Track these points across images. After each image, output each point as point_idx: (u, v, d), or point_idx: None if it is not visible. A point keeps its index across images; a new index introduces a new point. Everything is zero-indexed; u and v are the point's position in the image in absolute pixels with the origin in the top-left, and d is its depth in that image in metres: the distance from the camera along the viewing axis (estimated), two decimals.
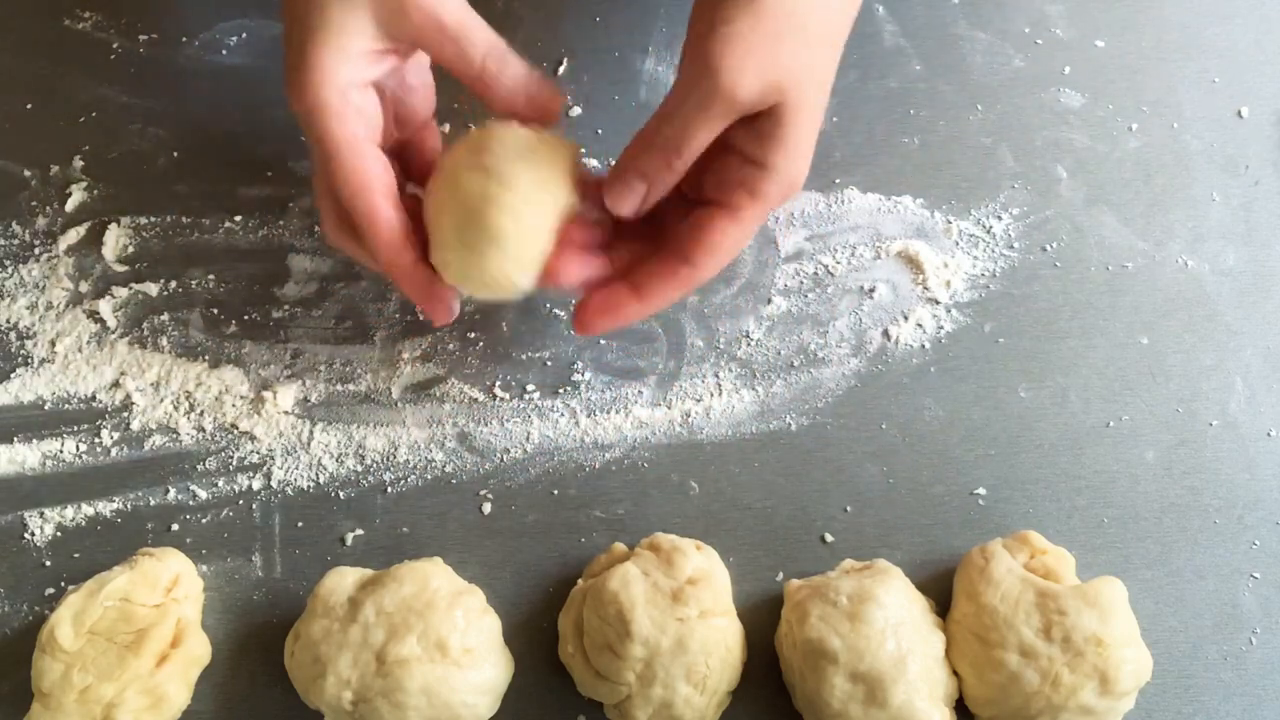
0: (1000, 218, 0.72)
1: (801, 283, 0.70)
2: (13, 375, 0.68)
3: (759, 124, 0.54)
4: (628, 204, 0.56)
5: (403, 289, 0.58)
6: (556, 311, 0.70)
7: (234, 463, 0.66)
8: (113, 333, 0.69)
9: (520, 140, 0.55)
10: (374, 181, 0.55)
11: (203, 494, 0.65)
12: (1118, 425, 0.67)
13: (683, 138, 0.53)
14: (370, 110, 0.56)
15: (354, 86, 0.55)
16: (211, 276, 0.71)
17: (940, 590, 0.63)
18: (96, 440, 0.67)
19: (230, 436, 0.67)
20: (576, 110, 0.73)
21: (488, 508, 0.65)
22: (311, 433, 0.67)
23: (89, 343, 0.69)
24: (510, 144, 0.55)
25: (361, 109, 0.55)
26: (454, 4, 0.54)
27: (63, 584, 0.63)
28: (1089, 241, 0.72)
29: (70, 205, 0.72)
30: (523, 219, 0.54)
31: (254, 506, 0.65)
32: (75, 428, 0.67)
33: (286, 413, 0.67)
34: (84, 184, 0.73)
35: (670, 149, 0.54)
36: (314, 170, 0.58)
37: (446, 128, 0.73)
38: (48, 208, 0.72)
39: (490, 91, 0.56)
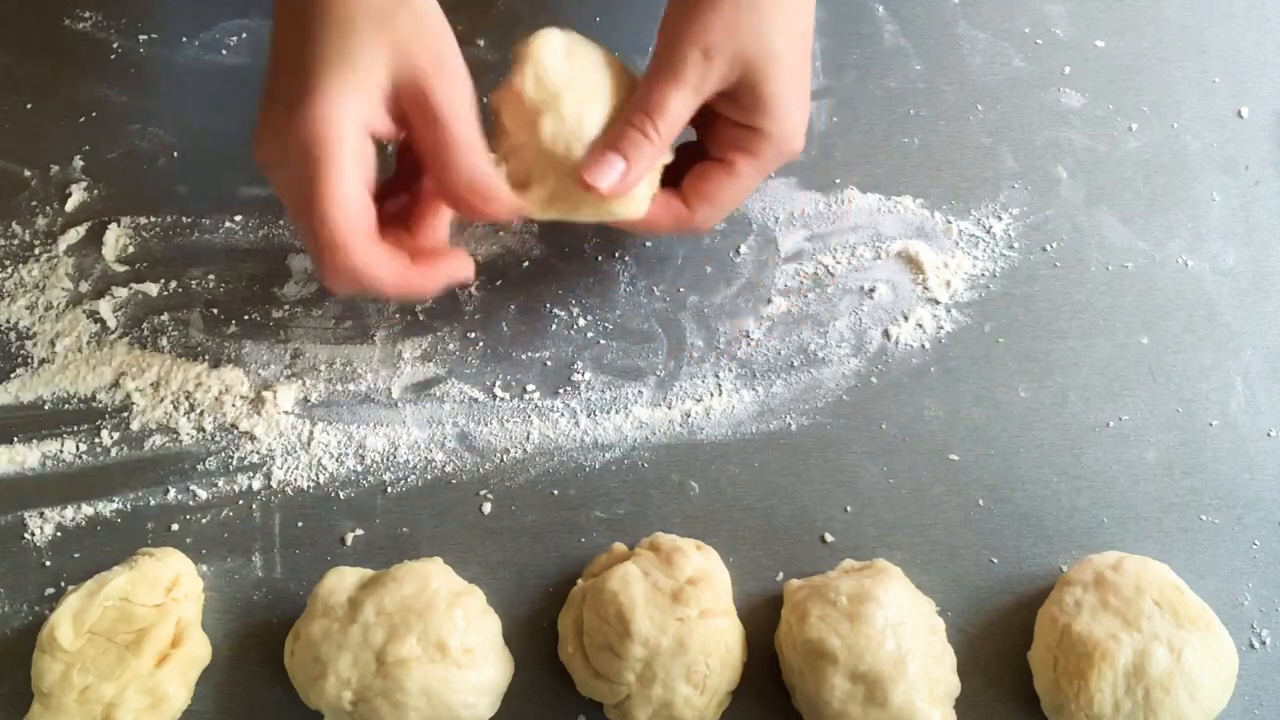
0: (1000, 218, 0.72)
1: (801, 283, 0.70)
2: (13, 375, 0.68)
3: (737, 95, 0.58)
4: (605, 179, 0.57)
5: (422, 291, 0.57)
6: (556, 312, 0.70)
7: (234, 463, 0.66)
8: (113, 333, 0.69)
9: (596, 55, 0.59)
10: (362, 226, 0.52)
11: (203, 494, 0.65)
12: (1118, 425, 0.67)
13: (656, 116, 0.57)
14: (370, 159, 0.53)
15: (366, 129, 0.52)
16: (211, 276, 0.71)
17: (940, 590, 0.63)
18: (96, 440, 0.67)
19: (230, 436, 0.67)
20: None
21: (488, 508, 0.65)
22: (311, 433, 0.67)
23: (89, 343, 0.69)
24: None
25: (365, 155, 0.52)
26: (451, 94, 0.53)
27: (63, 584, 0.63)
28: (1089, 241, 0.72)
29: (70, 205, 0.72)
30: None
31: (254, 506, 0.65)
32: (75, 428, 0.67)
33: (286, 413, 0.67)
34: (84, 184, 0.73)
35: (644, 127, 0.57)
36: (291, 206, 0.53)
37: None
38: (48, 208, 0.72)
39: (443, 176, 0.54)
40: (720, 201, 0.61)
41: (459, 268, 0.58)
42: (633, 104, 0.58)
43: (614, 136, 0.57)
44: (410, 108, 0.53)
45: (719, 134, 0.61)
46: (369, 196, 0.53)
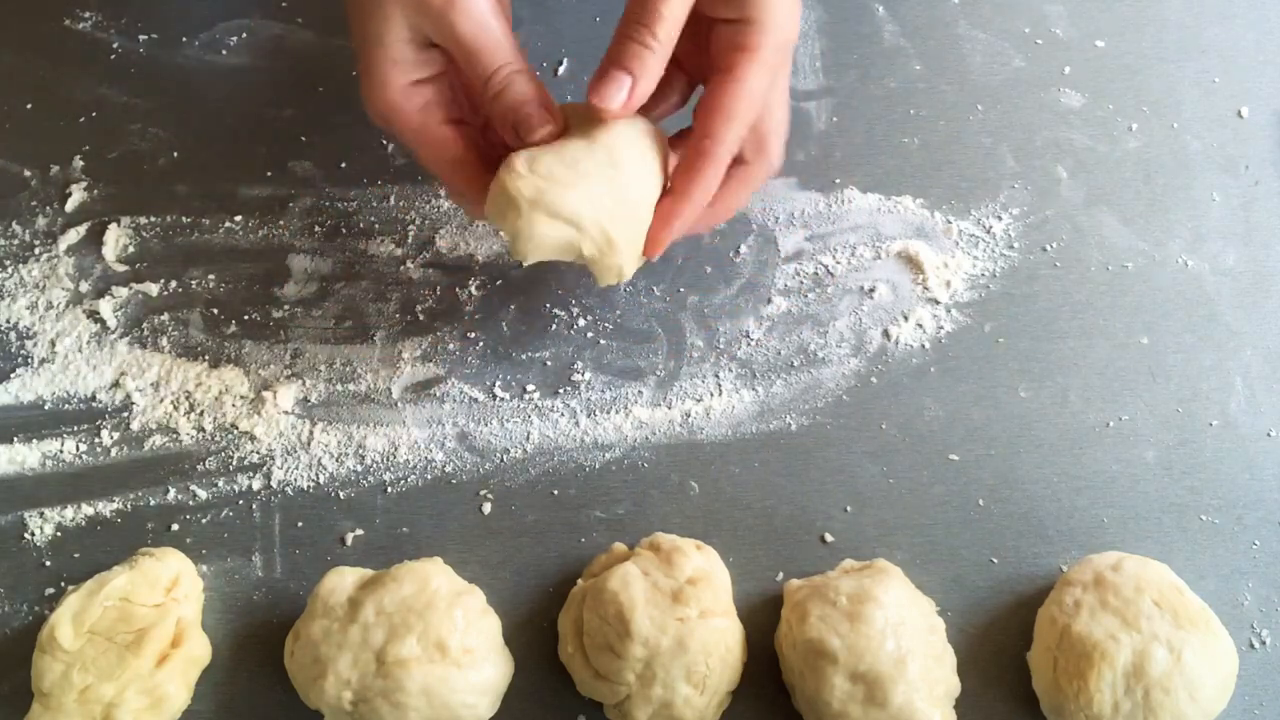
0: (1000, 218, 0.72)
1: (801, 283, 0.70)
2: (13, 375, 0.68)
3: None
4: (614, 97, 0.56)
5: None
6: (556, 312, 0.70)
7: (234, 463, 0.66)
8: (113, 333, 0.69)
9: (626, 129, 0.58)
10: (446, 154, 0.58)
11: (203, 494, 0.65)
12: (1118, 425, 0.67)
13: (654, 24, 0.54)
14: (433, 98, 0.59)
15: (412, 85, 0.58)
16: (211, 276, 0.71)
17: (940, 590, 0.63)
18: (96, 440, 0.67)
19: (230, 436, 0.67)
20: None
21: (488, 508, 0.65)
22: (311, 433, 0.67)
23: (89, 343, 0.69)
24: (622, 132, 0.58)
25: (427, 101, 0.58)
26: (472, 24, 0.55)
27: (63, 584, 0.63)
28: (1089, 241, 0.72)
29: (70, 205, 0.72)
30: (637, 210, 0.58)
31: (254, 506, 0.65)
32: (75, 428, 0.67)
33: (286, 413, 0.67)
34: (84, 184, 0.73)
35: (643, 38, 0.55)
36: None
37: None
38: (48, 208, 0.72)
39: (489, 114, 0.58)
40: (736, 114, 0.56)
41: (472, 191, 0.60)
42: (628, 16, 0.55)
43: (616, 53, 0.55)
44: (442, 41, 0.56)
45: (712, 45, 0.58)
46: (443, 124, 0.59)
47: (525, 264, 0.58)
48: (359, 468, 0.66)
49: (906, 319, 0.69)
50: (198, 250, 0.71)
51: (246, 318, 0.70)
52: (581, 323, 0.69)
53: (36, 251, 0.71)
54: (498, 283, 0.70)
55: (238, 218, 0.72)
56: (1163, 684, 0.56)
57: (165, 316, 0.70)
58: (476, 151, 0.59)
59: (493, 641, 0.60)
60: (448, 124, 0.59)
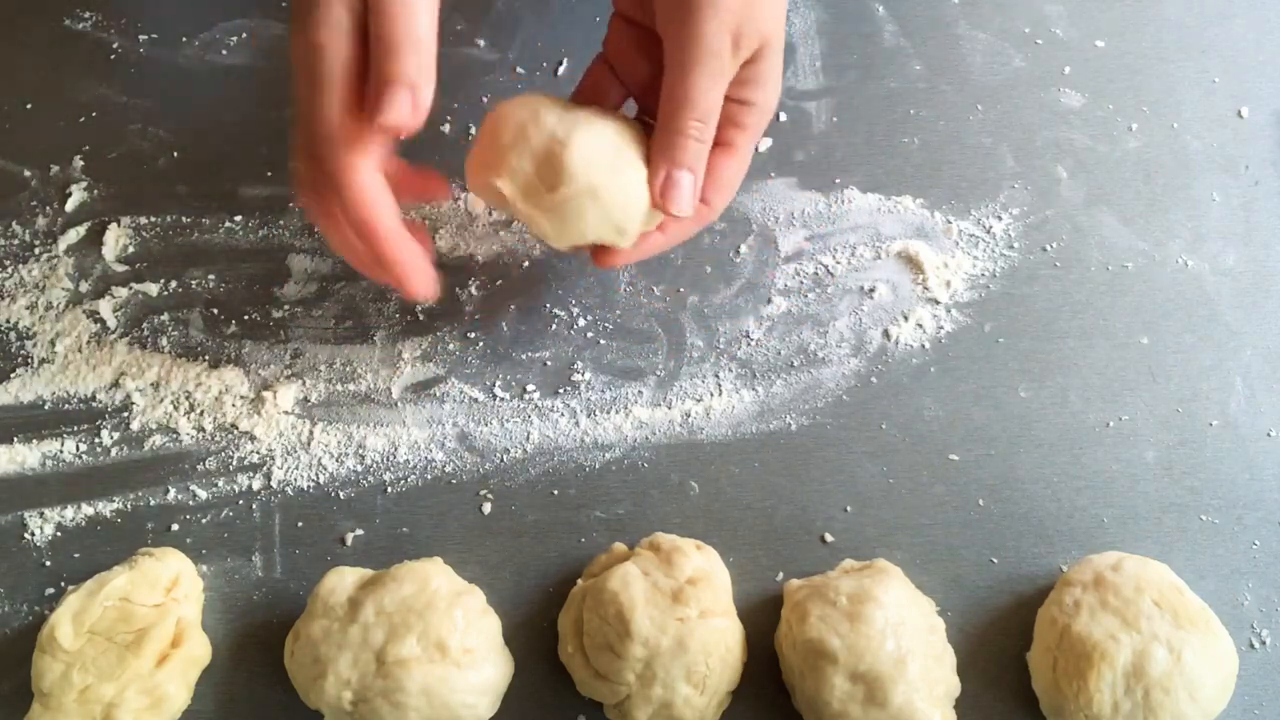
0: (1000, 218, 0.72)
1: (801, 283, 0.70)
2: (13, 375, 0.68)
3: (744, 71, 0.57)
4: (687, 202, 0.57)
5: (377, 251, 0.54)
6: (556, 312, 0.70)
7: (234, 463, 0.66)
8: (113, 333, 0.69)
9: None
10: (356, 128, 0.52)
11: (203, 494, 0.65)
12: (1118, 425, 0.67)
13: (706, 119, 0.56)
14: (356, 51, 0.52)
15: (355, 28, 0.52)
16: (211, 276, 0.71)
17: (940, 590, 0.63)
18: (96, 440, 0.67)
19: (230, 436, 0.67)
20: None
21: (488, 508, 0.65)
22: (311, 433, 0.67)
23: (89, 343, 0.69)
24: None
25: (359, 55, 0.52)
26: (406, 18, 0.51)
27: (63, 584, 0.63)
28: (1089, 241, 0.71)
29: (70, 205, 0.72)
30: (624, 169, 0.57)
31: (254, 506, 0.65)
32: (75, 428, 0.67)
33: (286, 413, 0.67)
34: (84, 184, 0.73)
35: (701, 134, 0.56)
36: (296, 120, 0.54)
37: (446, 128, 0.73)
38: (48, 208, 0.72)
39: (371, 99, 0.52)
40: (732, 184, 0.61)
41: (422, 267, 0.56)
42: (674, 109, 0.56)
43: (673, 153, 0.56)
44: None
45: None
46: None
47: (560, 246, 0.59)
48: (359, 468, 0.66)
49: (906, 319, 0.69)
50: (198, 250, 0.71)
51: (246, 318, 0.70)
52: (581, 323, 0.69)
53: (36, 251, 0.71)
54: (498, 283, 0.70)
55: (238, 218, 0.72)
56: (1163, 684, 0.56)
57: (165, 316, 0.70)
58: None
59: (493, 641, 0.60)
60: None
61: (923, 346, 0.69)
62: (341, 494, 0.65)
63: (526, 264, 0.71)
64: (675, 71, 0.56)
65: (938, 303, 0.70)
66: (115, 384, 0.68)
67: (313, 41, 0.52)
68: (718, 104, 0.56)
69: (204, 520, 0.65)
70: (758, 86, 0.58)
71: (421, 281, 0.56)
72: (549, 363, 0.69)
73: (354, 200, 0.53)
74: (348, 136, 0.52)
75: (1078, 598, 0.59)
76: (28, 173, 0.73)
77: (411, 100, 0.51)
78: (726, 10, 0.54)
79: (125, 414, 0.67)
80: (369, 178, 0.53)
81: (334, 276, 0.70)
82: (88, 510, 0.65)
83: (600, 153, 0.56)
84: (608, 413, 0.67)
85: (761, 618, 0.62)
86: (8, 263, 0.71)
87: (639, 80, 0.61)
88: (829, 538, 0.64)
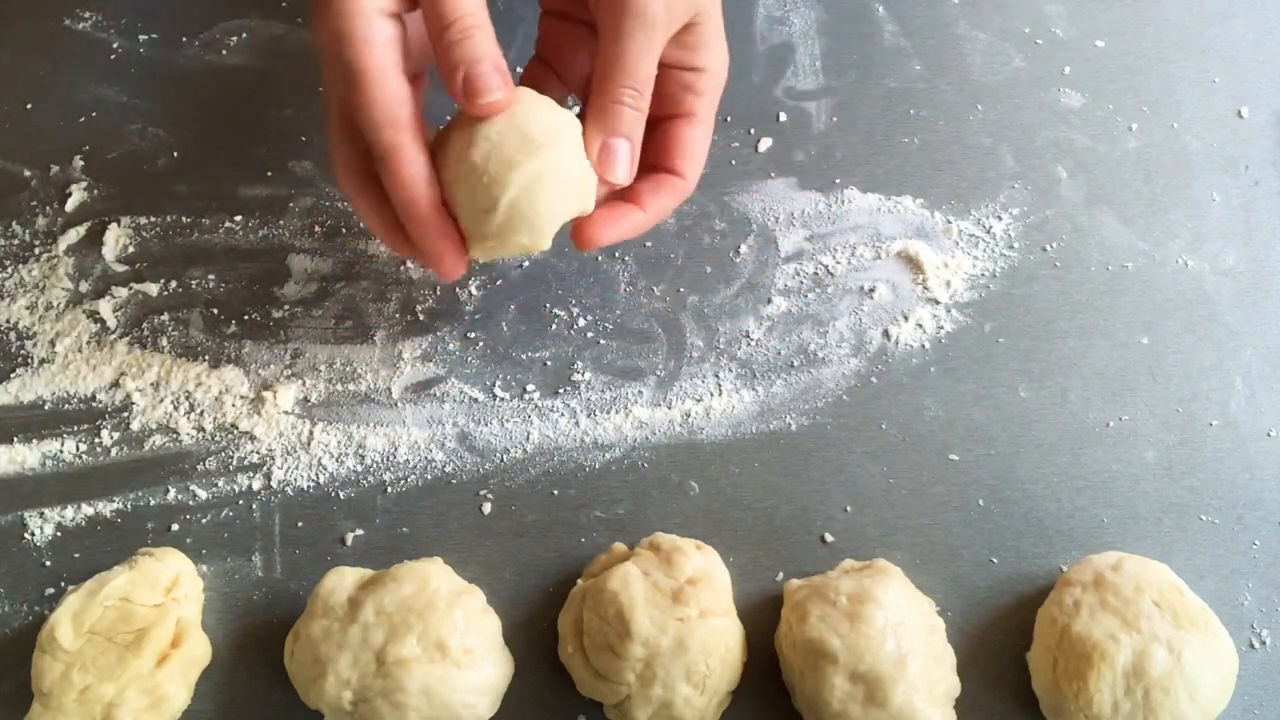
0: (1000, 218, 0.72)
1: (801, 283, 0.70)
2: (13, 375, 0.68)
3: (684, 37, 0.58)
4: (622, 168, 0.57)
5: (416, 234, 0.55)
6: (556, 312, 0.70)
7: (234, 463, 0.66)
8: (113, 333, 0.69)
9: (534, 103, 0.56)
10: (402, 113, 0.53)
11: (203, 494, 0.65)
12: (1118, 425, 0.67)
13: (641, 85, 0.56)
14: (397, 38, 0.54)
15: (379, 13, 0.53)
16: (211, 276, 0.71)
17: (940, 590, 0.63)
18: (96, 440, 0.67)
19: (230, 436, 0.67)
20: (575, 110, 0.73)
21: (488, 508, 0.65)
22: (311, 433, 0.67)
23: (89, 343, 0.69)
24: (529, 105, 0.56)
25: (390, 37, 0.53)
26: None
27: (63, 584, 0.63)
28: (1089, 241, 0.72)
29: (70, 205, 0.72)
30: (560, 175, 0.55)
31: (254, 506, 0.65)
32: (75, 428, 0.67)
33: (286, 413, 0.67)
34: (84, 184, 0.73)
35: (636, 102, 0.56)
36: (328, 105, 0.55)
37: None
38: (48, 208, 0.72)
39: (438, 63, 0.54)
40: (699, 152, 0.60)
41: (446, 258, 0.56)
42: (608, 77, 0.55)
43: (608, 120, 0.56)
44: None
45: (660, 85, 0.58)
46: (403, 76, 0.53)
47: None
48: (359, 468, 0.66)
49: (906, 319, 0.69)
50: (198, 250, 0.71)
51: (246, 318, 0.70)
52: (581, 323, 0.69)
53: (36, 251, 0.71)
54: (498, 283, 0.70)
55: (238, 218, 0.72)
56: (1163, 684, 0.56)
57: (165, 316, 0.70)
58: (422, 127, 0.54)
59: (493, 641, 0.60)
60: (400, 75, 0.53)
61: (923, 346, 0.69)
62: (341, 494, 0.65)
63: (526, 264, 0.71)
64: (608, 43, 0.55)
65: (938, 303, 0.70)
66: (115, 384, 0.68)
67: (345, 30, 0.51)
68: (650, 72, 0.56)
69: (204, 520, 0.65)
70: (702, 51, 0.58)
71: (456, 262, 0.56)
72: (549, 363, 0.69)
73: (404, 180, 0.53)
74: (394, 118, 0.52)
75: (1078, 598, 0.59)
76: (28, 173, 0.73)
77: (501, 77, 0.53)
78: None
79: (125, 414, 0.67)
80: (417, 156, 0.53)
81: (334, 276, 0.70)
82: (88, 510, 0.65)
83: (509, 140, 0.54)
84: (608, 413, 0.67)
85: (761, 618, 0.62)
86: (8, 263, 0.71)
87: (577, 74, 0.61)
88: (829, 538, 0.64)
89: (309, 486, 0.66)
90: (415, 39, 0.56)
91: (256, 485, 0.65)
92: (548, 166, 0.54)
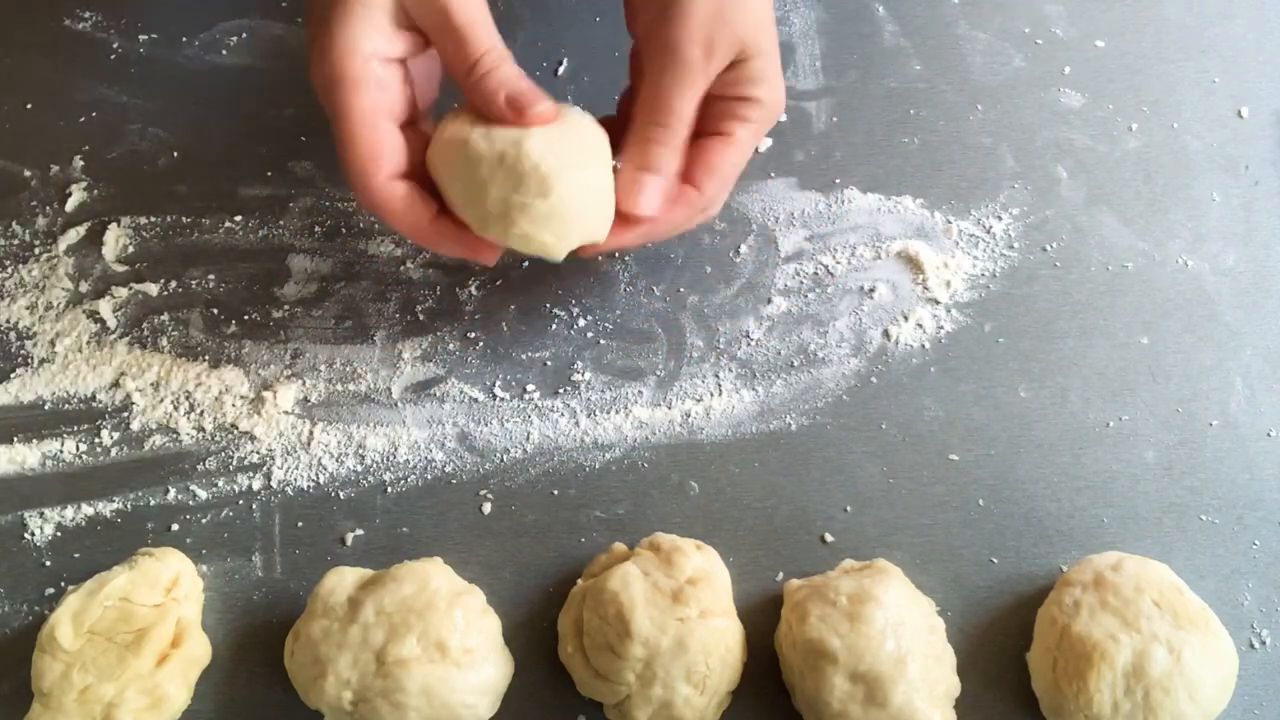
0: (1000, 218, 0.72)
1: (801, 283, 0.70)
2: (13, 375, 0.68)
3: (734, 74, 0.59)
4: (653, 201, 0.58)
5: (436, 250, 0.58)
6: (556, 312, 0.70)
7: (234, 463, 0.66)
8: (113, 333, 0.69)
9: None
10: (380, 157, 0.55)
11: (203, 494, 0.65)
12: (1118, 425, 0.67)
13: (674, 120, 0.57)
14: (392, 84, 0.56)
15: (377, 59, 0.55)
16: (211, 276, 0.71)
17: (940, 590, 0.63)
18: (96, 440, 0.67)
19: (230, 436, 0.67)
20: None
21: (488, 508, 0.65)
22: (311, 433, 0.67)
23: (89, 343, 0.69)
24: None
25: (383, 82, 0.55)
26: (465, 6, 0.55)
27: (63, 584, 0.63)
28: (1089, 241, 0.72)
29: (70, 205, 0.72)
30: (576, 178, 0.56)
31: (254, 506, 0.65)
32: (75, 428, 0.67)
33: (286, 413, 0.67)
34: (84, 184, 0.73)
35: (669, 140, 0.57)
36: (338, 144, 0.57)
37: None
38: (48, 208, 0.72)
39: (473, 91, 0.56)
40: (727, 174, 0.61)
41: (478, 248, 0.58)
42: (643, 114, 0.58)
43: (640, 155, 0.57)
44: (427, 22, 0.55)
45: (708, 108, 0.59)
46: (392, 125, 0.56)
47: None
48: (359, 468, 0.66)
49: (906, 319, 0.69)
50: (198, 250, 0.71)
51: (246, 318, 0.70)
52: (581, 323, 0.69)
53: (36, 251, 0.71)
54: (498, 283, 0.70)
55: (238, 218, 0.72)
56: (1162, 684, 0.56)
57: (165, 316, 0.70)
58: (412, 167, 0.57)
59: (493, 641, 0.60)
60: (393, 122, 0.56)
61: (923, 346, 0.69)
62: (341, 494, 0.65)
63: (526, 264, 0.71)
64: (648, 80, 0.58)
65: (938, 303, 0.70)
66: (115, 384, 0.68)
67: (336, 73, 0.54)
68: (687, 111, 0.57)
69: (204, 520, 0.65)
70: (753, 85, 0.59)
71: (487, 254, 0.59)
72: (549, 363, 0.68)
73: (397, 217, 0.56)
74: (376, 158, 0.55)
75: (1078, 598, 0.59)
76: (28, 173, 0.73)
77: (538, 93, 0.56)
78: (696, 21, 0.56)
79: (125, 414, 0.67)
80: (402, 193, 0.56)
81: (334, 276, 0.70)
82: (88, 510, 0.65)
83: (565, 150, 0.56)
84: (608, 413, 0.67)
85: (761, 618, 0.62)
86: (8, 263, 0.71)
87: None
88: (829, 538, 0.64)
89: (309, 486, 0.66)
90: (422, 79, 0.59)
91: (256, 485, 0.65)
92: (598, 177, 0.57)
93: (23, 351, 0.69)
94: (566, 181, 0.55)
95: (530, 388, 0.68)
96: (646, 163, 0.58)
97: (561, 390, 0.68)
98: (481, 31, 0.55)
